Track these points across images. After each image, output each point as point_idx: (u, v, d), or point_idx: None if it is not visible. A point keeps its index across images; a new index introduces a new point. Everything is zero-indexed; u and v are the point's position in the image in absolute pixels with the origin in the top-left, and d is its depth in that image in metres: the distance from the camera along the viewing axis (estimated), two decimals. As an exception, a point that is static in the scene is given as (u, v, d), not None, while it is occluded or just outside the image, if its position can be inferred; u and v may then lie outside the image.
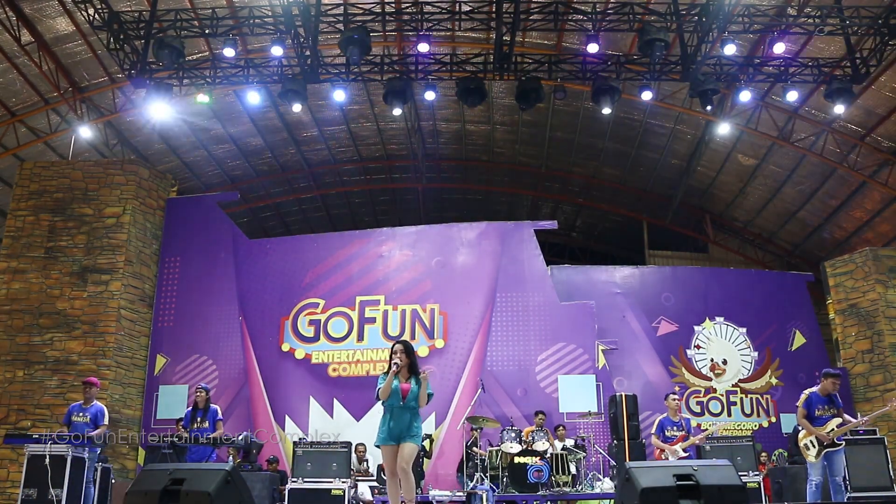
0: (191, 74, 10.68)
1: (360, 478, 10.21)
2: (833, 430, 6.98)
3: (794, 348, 12.98)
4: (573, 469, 9.79)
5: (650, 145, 15.65)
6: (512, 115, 15.14)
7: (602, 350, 12.13)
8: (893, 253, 12.95)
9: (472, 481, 9.48)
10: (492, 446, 10.01)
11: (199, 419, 8.13)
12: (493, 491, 9.17)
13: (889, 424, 11.47)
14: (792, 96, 10.91)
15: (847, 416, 7.13)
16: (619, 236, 19.73)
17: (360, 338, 12.24)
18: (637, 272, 13.64)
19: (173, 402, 11.79)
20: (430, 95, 11.01)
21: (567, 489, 9.40)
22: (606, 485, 9.95)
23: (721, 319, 13.08)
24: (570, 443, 10.45)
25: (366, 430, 10.90)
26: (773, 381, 12.77)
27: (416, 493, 6.31)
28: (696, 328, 12.99)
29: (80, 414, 8.24)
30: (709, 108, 10.65)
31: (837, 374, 7.24)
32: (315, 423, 11.61)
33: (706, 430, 9.11)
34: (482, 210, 18.91)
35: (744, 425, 12.41)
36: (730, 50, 10.00)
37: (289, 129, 15.53)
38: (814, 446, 7.04)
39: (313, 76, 10.39)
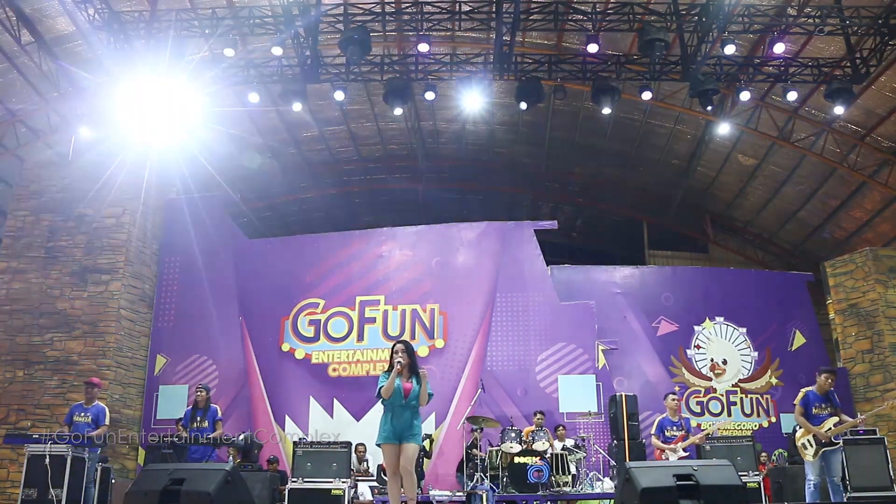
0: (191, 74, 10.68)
1: (360, 478, 10.21)
2: (830, 428, 6.99)
3: (794, 348, 12.98)
4: (573, 469, 9.78)
5: (650, 145, 15.65)
6: (512, 115, 15.14)
7: (602, 350, 12.13)
8: (893, 253, 12.95)
9: (471, 481, 9.47)
10: (492, 446, 10.01)
11: (198, 419, 8.13)
12: (493, 491, 9.16)
13: (889, 424, 11.47)
14: (792, 96, 10.91)
15: (844, 416, 7.13)
16: (619, 236, 19.72)
17: (360, 338, 12.24)
18: (637, 272, 13.64)
19: (173, 402, 11.78)
20: (430, 95, 11.01)
21: (567, 489, 9.39)
22: (606, 485, 9.95)
23: (721, 319, 13.08)
24: (570, 443, 10.45)
25: (366, 430, 10.90)
26: (773, 381, 12.77)
27: (417, 493, 6.32)
28: (696, 328, 12.99)
29: (82, 414, 8.24)
30: (709, 108, 10.66)
31: (832, 371, 7.25)
32: (315, 423, 11.61)
33: (705, 430, 9.10)
34: (482, 210, 18.88)
35: (744, 425, 12.42)
36: (730, 50, 10.00)
37: (289, 129, 15.53)
38: (811, 445, 7.05)
39: (313, 76, 10.40)
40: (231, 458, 10.06)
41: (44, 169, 12.43)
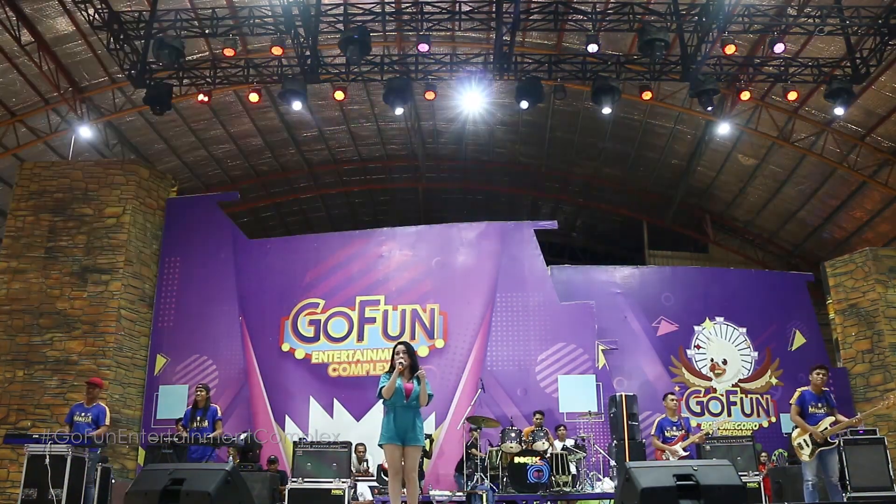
0: (191, 74, 10.68)
1: (360, 478, 10.21)
2: (826, 428, 6.98)
3: (794, 348, 12.97)
4: (573, 469, 9.77)
5: (650, 145, 15.65)
6: (512, 115, 15.14)
7: (602, 350, 12.12)
8: (893, 253, 12.94)
9: (471, 481, 9.47)
10: (492, 446, 10.01)
11: (198, 418, 8.13)
12: (493, 491, 9.16)
13: (889, 424, 11.47)
14: (792, 96, 10.91)
15: (840, 416, 7.13)
16: (619, 236, 19.74)
17: (360, 338, 12.23)
18: (637, 272, 13.64)
19: (173, 402, 11.78)
20: (430, 95, 11.01)
21: (567, 489, 9.38)
22: (606, 485, 9.94)
23: (721, 319, 13.07)
24: (570, 443, 10.44)
25: (366, 430, 10.91)
26: (773, 381, 12.76)
27: (417, 494, 6.33)
28: (696, 328, 12.98)
29: (82, 414, 8.23)
30: (709, 108, 10.65)
31: (823, 366, 7.27)
32: (315, 423, 11.60)
33: (704, 430, 9.11)
34: (482, 210, 18.90)
35: (744, 425, 12.41)
36: (730, 50, 9.99)
37: (289, 129, 15.53)
38: (807, 445, 7.05)
39: (313, 76, 10.39)
40: (231, 457, 10.06)
41: (44, 169, 12.43)
